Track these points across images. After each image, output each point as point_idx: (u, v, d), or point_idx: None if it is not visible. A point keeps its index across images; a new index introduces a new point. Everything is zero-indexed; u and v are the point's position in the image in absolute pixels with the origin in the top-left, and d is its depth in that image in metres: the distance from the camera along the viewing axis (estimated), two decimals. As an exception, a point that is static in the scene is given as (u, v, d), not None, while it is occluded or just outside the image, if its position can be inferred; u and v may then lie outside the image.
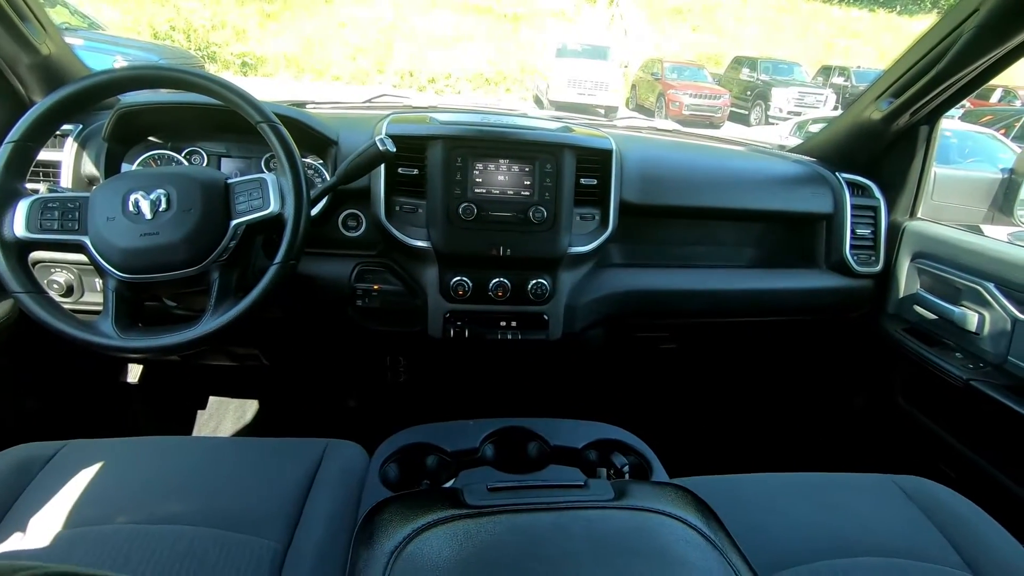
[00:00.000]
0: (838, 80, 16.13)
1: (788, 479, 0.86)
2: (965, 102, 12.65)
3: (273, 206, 0.81)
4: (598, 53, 10.68)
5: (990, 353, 1.00)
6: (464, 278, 1.02)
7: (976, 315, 1.02)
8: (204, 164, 1.02)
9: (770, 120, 10.82)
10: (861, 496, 0.83)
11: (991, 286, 1.00)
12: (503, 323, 1.05)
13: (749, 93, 12.26)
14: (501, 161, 1.01)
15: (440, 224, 1.00)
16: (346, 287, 1.03)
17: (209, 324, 0.78)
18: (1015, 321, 0.95)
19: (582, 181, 1.04)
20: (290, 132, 0.82)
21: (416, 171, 1.00)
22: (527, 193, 1.02)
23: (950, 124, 6.04)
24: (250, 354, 1.22)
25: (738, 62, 14.28)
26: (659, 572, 0.54)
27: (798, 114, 9.62)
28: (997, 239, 1.06)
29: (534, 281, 1.04)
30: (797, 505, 0.81)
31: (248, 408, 1.56)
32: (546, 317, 1.06)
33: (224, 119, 0.97)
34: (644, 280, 1.15)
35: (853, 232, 1.19)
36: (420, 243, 1.01)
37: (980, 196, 2.87)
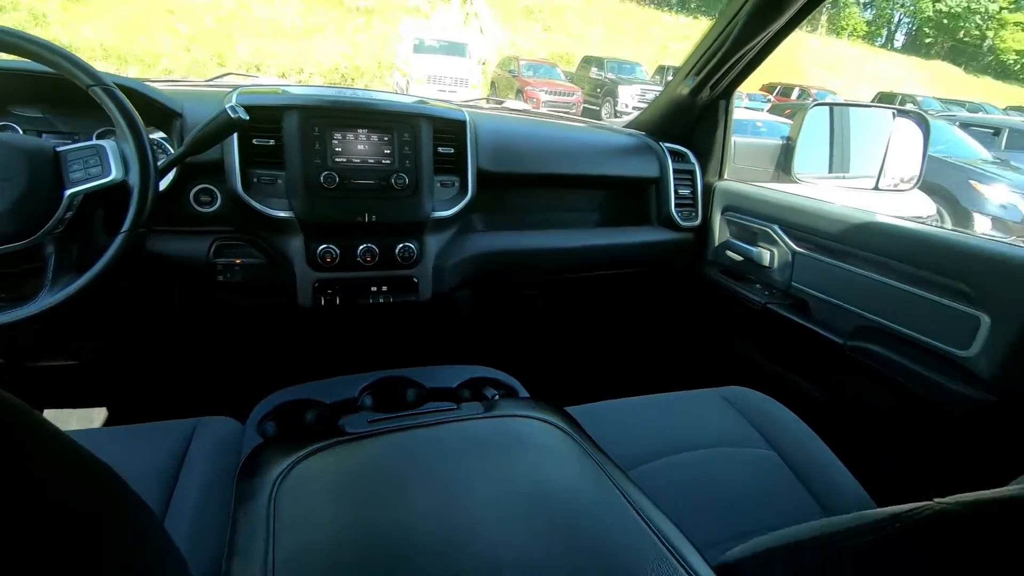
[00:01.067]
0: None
1: (636, 401, 1.00)
2: (771, 98, 14.74)
3: (115, 173, 0.77)
4: (456, 50, 10.79)
5: (779, 281, 1.24)
6: (331, 246, 1.04)
7: (768, 252, 1.26)
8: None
9: (619, 114, 11.72)
10: (695, 407, 1.00)
11: (776, 227, 1.24)
12: (374, 288, 1.09)
13: (599, 90, 13.16)
14: (360, 131, 1.04)
15: (302, 194, 1.01)
16: (203, 264, 1.00)
17: (47, 300, 0.73)
18: (794, 254, 1.20)
19: (439, 150, 1.11)
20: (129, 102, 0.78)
21: (272, 141, 1.00)
22: (388, 162, 1.06)
23: (761, 116, 7.11)
24: (92, 348, 1.12)
25: (587, 61, 15.25)
26: (527, 461, 0.63)
27: (641, 109, 10.58)
28: (781, 191, 1.31)
29: (401, 245, 1.08)
30: (644, 419, 0.95)
31: (96, 418, 1.41)
32: (415, 280, 1.12)
33: (43, 88, 0.89)
34: (505, 242, 1.25)
35: (676, 192, 1.39)
36: (282, 214, 1.01)
37: (767, 159, 3.49)
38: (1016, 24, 41.51)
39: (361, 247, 1.05)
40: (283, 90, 1.06)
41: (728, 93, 1.35)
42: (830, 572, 0.47)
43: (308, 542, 0.49)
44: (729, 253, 1.38)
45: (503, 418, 0.69)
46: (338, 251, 1.04)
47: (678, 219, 1.39)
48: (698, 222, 1.42)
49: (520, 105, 4.15)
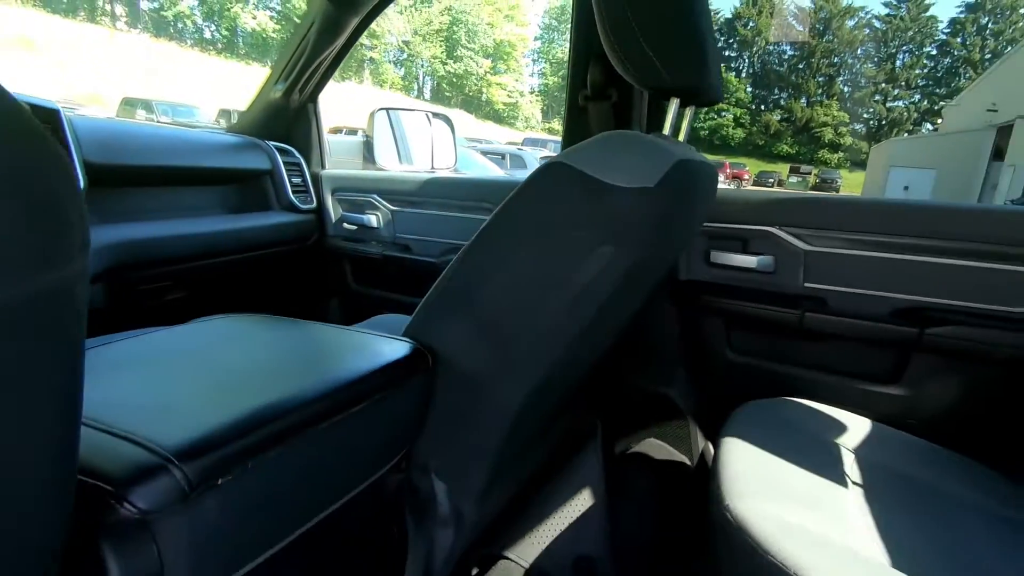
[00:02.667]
0: (240, 123, 17.41)
1: None
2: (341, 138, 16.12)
3: None
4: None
5: (386, 235, 1.64)
6: None
7: (374, 216, 1.64)
8: None
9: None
10: None
11: (375, 196, 1.63)
12: None
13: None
14: None
15: None
16: None
17: None
18: (393, 213, 1.62)
19: None
20: None
21: None
22: None
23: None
24: None
25: (130, 103, 13.39)
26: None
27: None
28: (386, 171, 1.71)
29: None
30: None
31: None
32: None
33: None
34: (126, 233, 1.23)
35: (290, 181, 1.64)
36: None
37: (357, 153, 4.15)
38: (499, 85, 56.79)
39: None
40: None
41: (314, 97, 1.67)
42: None
43: None
44: (346, 225, 1.71)
45: None
46: None
47: (297, 203, 1.63)
48: (314, 204, 1.70)
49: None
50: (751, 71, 63.33)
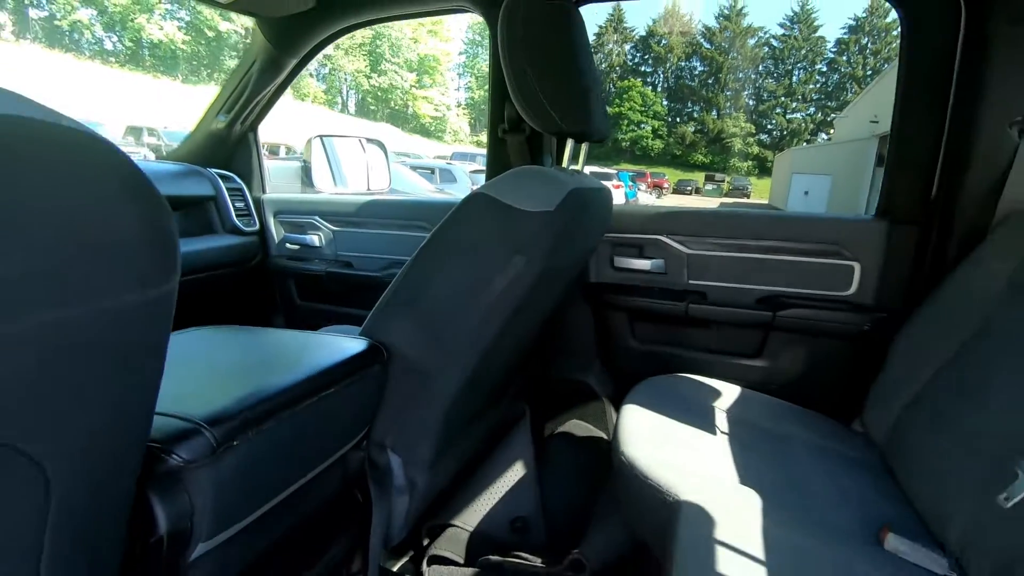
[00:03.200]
0: (150, 140, 16.64)
1: None
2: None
3: None
4: None
5: (328, 253, 1.78)
6: None
7: (316, 236, 1.78)
8: None
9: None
10: None
11: (316, 218, 1.77)
12: None
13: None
14: None
15: None
16: None
17: None
18: (335, 232, 1.76)
19: None
20: None
21: None
22: None
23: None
24: None
25: (25, 119, 12.44)
26: None
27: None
28: (324, 194, 1.84)
29: None
30: None
31: None
32: None
33: None
34: None
35: (233, 206, 1.74)
36: None
37: (294, 178, 4.24)
38: (425, 98, 56.75)
39: None
40: None
41: (254, 127, 1.79)
42: None
43: None
44: (289, 245, 1.83)
45: None
46: None
47: (241, 226, 1.74)
48: (257, 227, 1.81)
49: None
50: (666, 85, 67.02)
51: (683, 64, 66.61)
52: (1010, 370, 0.83)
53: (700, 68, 66.08)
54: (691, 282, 1.44)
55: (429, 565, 1.13)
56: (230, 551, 0.69)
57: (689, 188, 41.52)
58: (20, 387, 0.35)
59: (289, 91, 1.82)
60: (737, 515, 0.80)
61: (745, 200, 39.10)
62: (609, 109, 42.83)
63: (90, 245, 0.36)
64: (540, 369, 1.61)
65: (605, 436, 1.52)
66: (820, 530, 0.80)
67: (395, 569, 1.17)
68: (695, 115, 65.66)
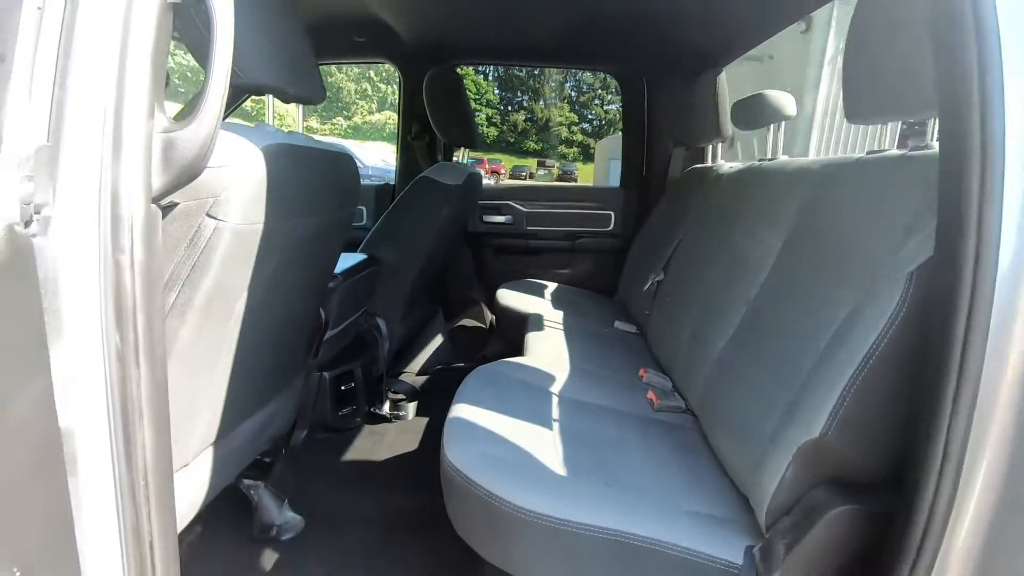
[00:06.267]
0: None
1: None
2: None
3: None
4: None
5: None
6: None
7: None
8: None
9: None
10: None
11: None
12: None
13: None
14: None
15: None
16: None
17: None
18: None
19: None
20: None
21: None
22: None
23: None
24: None
25: None
26: None
27: None
28: None
29: None
30: None
31: None
32: None
33: None
34: None
35: None
36: None
37: None
38: (242, 79, 51.87)
39: None
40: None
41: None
42: None
43: None
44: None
45: None
46: None
47: None
48: None
49: None
50: (496, 74, 69.74)
51: (511, 55, 69.33)
52: (685, 255, 1.93)
53: (526, 59, 69.36)
54: (528, 228, 2.47)
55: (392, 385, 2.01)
56: (332, 342, 1.51)
57: (524, 174, 44.20)
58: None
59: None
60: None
61: (572, 184, 42.93)
62: (444, 97, 43.91)
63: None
64: (445, 288, 2.54)
65: (482, 325, 2.50)
66: (604, 382, 1.85)
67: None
68: (525, 104, 69.32)
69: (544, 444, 1.03)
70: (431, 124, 1.92)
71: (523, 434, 1.03)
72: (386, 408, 1.82)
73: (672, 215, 2.04)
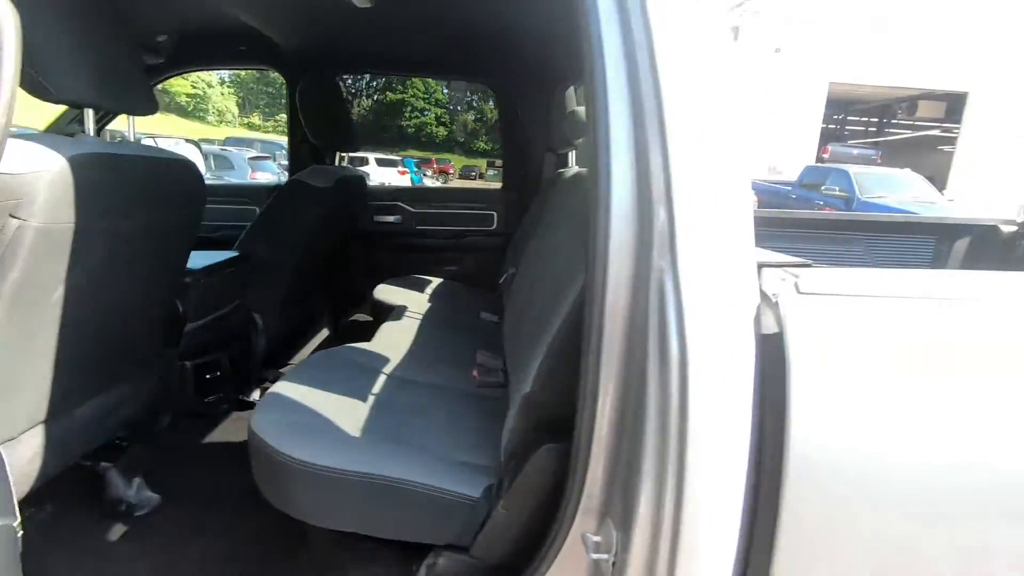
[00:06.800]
0: None
1: None
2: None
3: None
4: None
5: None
6: None
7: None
8: None
9: None
10: None
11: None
12: None
13: None
14: None
15: None
16: None
17: None
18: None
19: None
20: None
21: None
22: None
23: None
24: None
25: None
26: None
27: None
28: None
29: None
30: None
31: None
32: None
33: None
34: None
35: None
36: None
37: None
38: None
39: None
40: None
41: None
42: None
43: None
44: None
45: None
46: None
47: None
48: None
49: None
50: (446, 74, 69.36)
51: (460, 54, 69.20)
52: (534, 250, 2.12)
53: (476, 59, 69.38)
54: (417, 227, 2.62)
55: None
56: (196, 333, 1.62)
57: (473, 174, 44.22)
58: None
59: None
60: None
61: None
62: (392, 96, 43.24)
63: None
64: (332, 284, 2.65)
65: (370, 319, 2.63)
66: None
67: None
68: (474, 104, 69.31)
69: (354, 413, 1.18)
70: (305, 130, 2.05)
71: (334, 406, 1.17)
72: (255, 395, 1.93)
73: (535, 214, 2.24)
